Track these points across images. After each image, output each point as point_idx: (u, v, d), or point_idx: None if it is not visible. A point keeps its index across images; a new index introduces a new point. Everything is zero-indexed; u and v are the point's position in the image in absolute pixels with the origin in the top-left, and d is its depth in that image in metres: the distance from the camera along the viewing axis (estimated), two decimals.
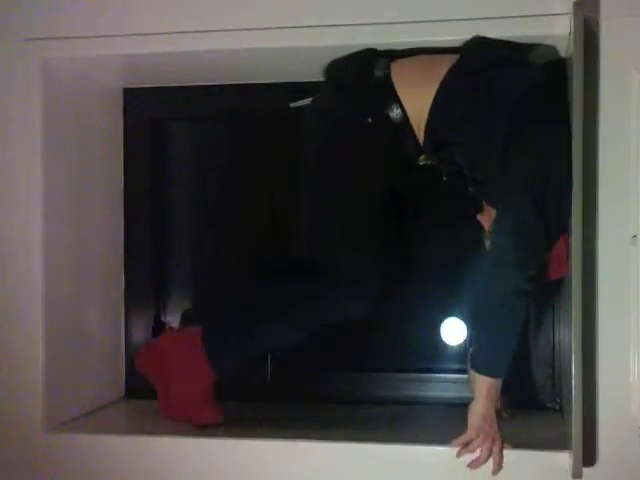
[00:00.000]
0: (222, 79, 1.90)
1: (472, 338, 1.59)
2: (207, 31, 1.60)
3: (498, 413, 1.50)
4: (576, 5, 1.38)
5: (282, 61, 1.72)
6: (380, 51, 1.57)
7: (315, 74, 1.67)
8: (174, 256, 2.05)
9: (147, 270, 2.01)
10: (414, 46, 1.57)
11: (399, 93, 1.49)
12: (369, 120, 1.50)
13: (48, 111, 1.69)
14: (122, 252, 2.01)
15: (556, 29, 1.48)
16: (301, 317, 1.61)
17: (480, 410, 1.45)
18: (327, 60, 1.63)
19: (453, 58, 1.50)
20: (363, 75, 1.53)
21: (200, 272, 2.06)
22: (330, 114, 1.57)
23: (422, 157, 1.57)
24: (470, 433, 1.46)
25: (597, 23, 1.47)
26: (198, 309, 1.96)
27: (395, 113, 1.49)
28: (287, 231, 1.97)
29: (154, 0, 1.64)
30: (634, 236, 1.48)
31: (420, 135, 1.51)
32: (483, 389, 1.45)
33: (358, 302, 1.56)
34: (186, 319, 1.87)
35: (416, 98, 1.49)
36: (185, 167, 2.05)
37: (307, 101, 1.70)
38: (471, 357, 1.50)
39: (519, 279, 1.41)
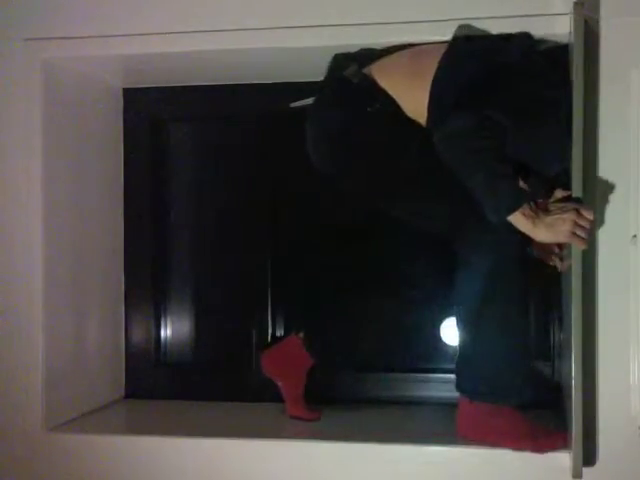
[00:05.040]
0: (222, 79, 1.90)
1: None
2: (207, 31, 1.61)
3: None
4: (576, 5, 1.39)
5: (282, 61, 1.72)
6: (352, 54, 1.57)
7: (315, 74, 1.67)
8: (174, 256, 2.05)
9: (147, 270, 2.01)
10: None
11: (390, 91, 1.48)
12: (368, 109, 1.49)
13: (48, 111, 1.69)
14: (122, 252, 2.01)
15: (556, 29, 1.48)
16: None
17: (537, 232, 1.37)
18: (327, 60, 1.63)
19: (441, 47, 1.48)
20: (343, 80, 1.52)
21: (200, 272, 2.05)
22: (328, 117, 1.56)
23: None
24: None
25: (597, 23, 1.48)
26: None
27: (386, 110, 1.48)
28: (286, 229, 1.98)
29: (154, 0, 1.64)
30: (634, 236, 1.48)
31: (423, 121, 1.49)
32: (521, 224, 1.37)
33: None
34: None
35: (411, 92, 1.47)
36: (185, 167, 2.06)
37: (307, 101, 1.70)
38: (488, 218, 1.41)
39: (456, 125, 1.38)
